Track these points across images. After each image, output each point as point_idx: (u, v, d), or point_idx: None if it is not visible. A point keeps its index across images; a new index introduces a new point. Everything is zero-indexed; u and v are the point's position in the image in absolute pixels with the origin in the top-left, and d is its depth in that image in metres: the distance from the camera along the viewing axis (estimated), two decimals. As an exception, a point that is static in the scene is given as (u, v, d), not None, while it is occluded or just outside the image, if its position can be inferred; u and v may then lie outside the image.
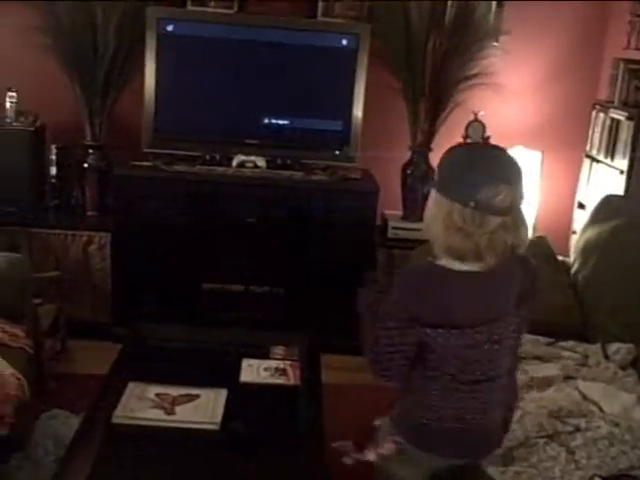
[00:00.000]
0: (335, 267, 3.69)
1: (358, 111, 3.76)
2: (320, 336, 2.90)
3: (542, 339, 2.78)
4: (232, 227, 3.66)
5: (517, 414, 2.23)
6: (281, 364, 2.56)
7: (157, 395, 2.29)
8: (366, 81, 3.73)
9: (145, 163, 3.69)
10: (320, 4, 3.89)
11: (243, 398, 2.32)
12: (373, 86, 3.75)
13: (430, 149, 3.91)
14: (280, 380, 2.46)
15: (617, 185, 3.59)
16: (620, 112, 3.61)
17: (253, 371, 2.50)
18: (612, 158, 3.65)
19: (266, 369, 2.51)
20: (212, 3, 3.89)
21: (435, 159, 3.91)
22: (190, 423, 2.16)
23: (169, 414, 2.20)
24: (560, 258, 3.33)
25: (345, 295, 3.68)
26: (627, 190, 3.52)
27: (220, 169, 3.70)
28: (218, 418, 2.18)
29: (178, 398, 2.28)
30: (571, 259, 3.34)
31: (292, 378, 2.48)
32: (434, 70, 3.77)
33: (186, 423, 2.16)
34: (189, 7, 3.86)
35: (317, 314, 3.66)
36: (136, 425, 2.16)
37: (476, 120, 3.94)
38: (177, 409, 2.23)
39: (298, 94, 3.78)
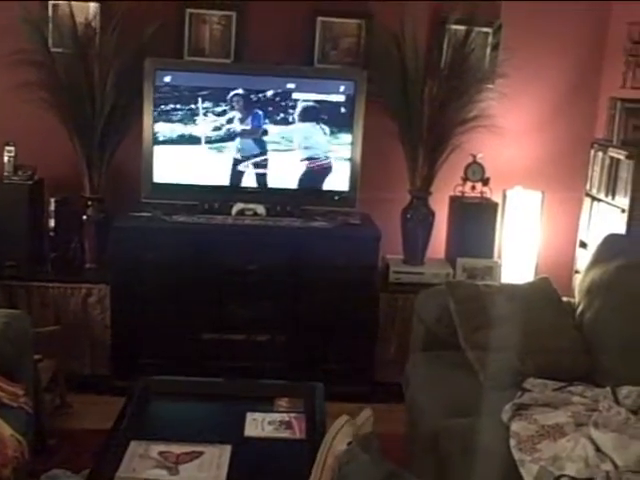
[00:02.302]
0: (337, 313, 3.67)
1: (357, 156, 3.76)
2: (324, 383, 2.85)
3: (550, 383, 2.72)
4: (232, 275, 3.63)
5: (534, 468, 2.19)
6: (286, 417, 2.51)
7: (160, 453, 2.24)
8: (364, 126, 3.73)
9: (144, 214, 3.67)
10: (316, 51, 3.92)
11: (248, 454, 2.27)
12: (371, 131, 3.76)
13: (429, 193, 3.90)
14: (285, 434, 2.41)
15: (618, 224, 3.57)
16: (619, 151, 3.61)
17: (257, 425, 2.45)
18: (613, 197, 3.64)
19: (270, 422, 2.47)
20: (208, 52, 3.92)
21: (435, 202, 3.92)
22: (194, 483, 2.11)
23: (173, 474, 2.14)
24: (564, 299, 3.29)
25: (347, 341, 3.70)
26: (629, 229, 3.50)
27: (220, 217, 3.70)
28: (223, 477, 2.13)
29: (182, 456, 2.23)
30: (576, 300, 3.30)
31: (297, 431, 2.43)
32: (431, 114, 3.78)
33: (190, 483, 2.11)
34: (186, 58, 3.89)
35: (320, 361, 3.62)
36: (139, 486, 2.11)
37: (475, 162, 3.94)
38: (181, 468, 2.17)
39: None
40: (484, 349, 2.88)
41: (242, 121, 3.75)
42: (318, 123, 3.77)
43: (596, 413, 2.47)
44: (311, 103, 3.75)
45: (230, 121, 3.75)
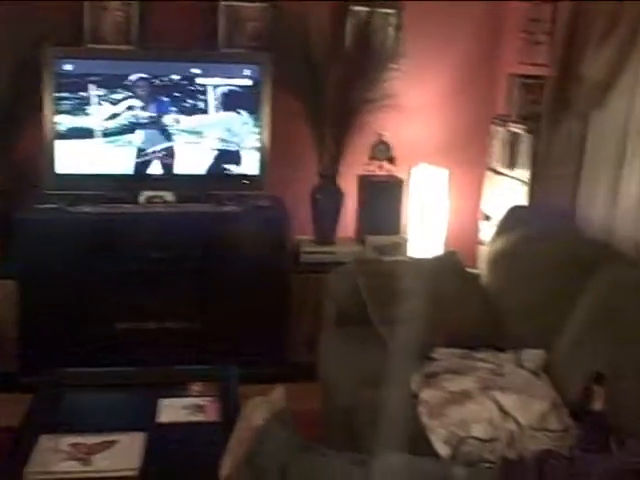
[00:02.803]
0: (249, 296, 3.68)
1: (265, 139, 3.77)
2: (239, 367, 2.86)
3: (457, 351, 2.81)
4: (143, 264, 3.59)
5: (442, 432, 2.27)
6: (199, 401, 2.52)
7: (71, 446, 2.21)
8: (271, 109, 3.74)
9: (48, 206, 3.59)
10: (220, 36, 3.89)
11: (162, 440, 2.27)
12: (279, 113, 3.77)
13: (338, 172, 3.94)
14: (199, 418, 2.41)
15: (520, 196, 3.69)
16: (518, 125, 3.72)
17: (171, 411, 2.44)
18: (514, 170, 3.76)
19: (184, 407, 2.47)
20: (110, 40, 3.84)
21: (343, 182, 3.97)
22: (108, 472, 2.10)
23: (85, 465, 2.12)
24: (471, 270, 3.39)
25: (260, 323, 3.72)
26: (530, 200, 3.62)
27: (127, 206, 3.65)
28: (136, 464, 2.13)
29: (94, 447, 2.21)
30: (481, 270, 3.40)
31: (211, 414, 2.43)
32: (337, 95, 3.81)
33: (103, 472, 2.10)
34: (87, 45, 3.80)
35: (234, 345, 3.62)
36: (50, 480, 2.08)
37: (381, 141, 4.00)
38: (93, 458, 2.16)
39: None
40: (394, 323, 2.95)
41: (146, 108, 3.70)
42: (224, 108, 3.75)
43: (500, 377, 2.57)
44: (217, 88, 3.73)
45: (134, 108, 3.68)
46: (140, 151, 3.72)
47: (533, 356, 2.66)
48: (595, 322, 2.54)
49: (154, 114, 3.70)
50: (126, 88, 3.66)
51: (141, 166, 3.74)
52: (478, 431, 2.23)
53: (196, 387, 2.61)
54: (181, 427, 2.37)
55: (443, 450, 2.20)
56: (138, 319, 3.65)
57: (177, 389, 2.58)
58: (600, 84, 3.14)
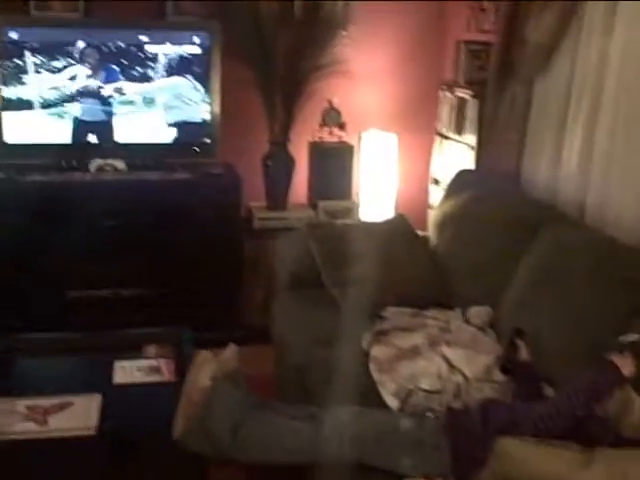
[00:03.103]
0: (203, 263, 3.72)
1: (215, 107, 3.78)
2: (193, 332, 2.90)
3: (406, 310, 2.89)
4: (95, 232, 3.57)
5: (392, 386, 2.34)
6: (154, 362, 2.55)
7: (27, 408, 2.23)
8: (222, 76, 3.75)
9: (-2, 175, 3.57)
10: (169, 4, 3.87)
11: (118, 400, 2.30)
12: (229, 81, 3.78)
13: (289, 139, 3.98)
14: (154, 378, 2.45)
15: (468, 160, 3.77)
16: (465, 91, 3.79)
17: (126, 372, 2.48)
18: (461, 134, 3.84)
19: (139, 369, 2.50)
20: (57, 7, 3.79)
21: (294, 149, 4.01)
22: (65, 431, 2.13)
23: (42, 425, 2.15)
24: (420, 233, 3.47)
25: (214, 289, 3.75)
26: (477, 164, 3.70)
27: (78, 175, 3.63)
28: (93, 423, 2.16)
29: (50, 408, 2.23)
30: (430, 233, 3.48)
31: (166, 375, 2.47)
32: (287, 62, 3.83)
33: (60, 432, 2.13)
34: (33, 13, 3.74)
35: (188, 311, 3.65)
36: (7, 441, 2.10)
37: (331, 107, 4.04)
38: (50, 419, 2.18)
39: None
40: (345, 284, 3.02)
41: (94, 76, 3.67)
42: (174, 75, 3.75)
43: (448, 333, 2.66)
44: (165, 55, 3.72)
45: (82, 76, 3.66)
46: (87, 120, 3.70)
47: (479, 312, 2.76)
48: (537, 281, 2.63)
49: (102, 82, 3.68)
50: (73, 55, 3.62)
51: (90, 135, 3.72)
52: (426, 384, 2.31)
53: (151, 349, 2.64)
54: (136, 388, 2.40)
55: (392, 402, 2.28)
56: (90, 287, 3.66)
57: (132, 352, 2.60)
58: (543, 48, 3.22)
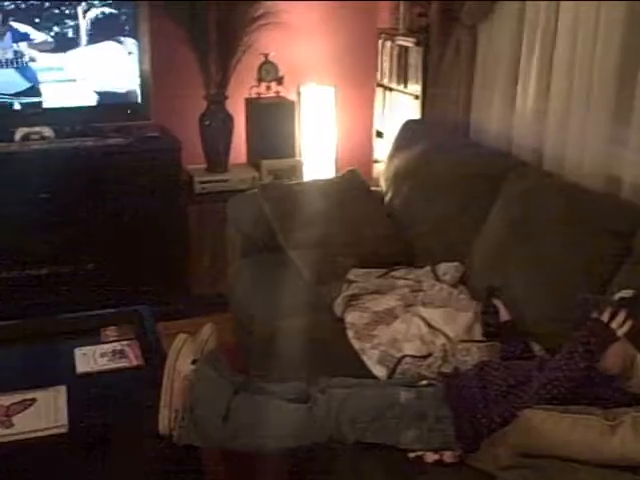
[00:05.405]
0: (144, 232, 3.53)
1: (146, 65, 3.55)
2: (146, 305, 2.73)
3: (373, 271, 2.79)
4: (26, 206, 3.33)
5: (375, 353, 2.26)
6: (117, 346, 2.37)
7: (-13, 409, 2.04)
8: (151, 33, 3.51)
9: None
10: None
11: (85, 391, 2.13)
12: (159, 38, 3.56)
13: (225, 97, 3.78)
14: (121, 364, 2.27)
15: (413, 110, 3.68)
16: (407, 39, 3.67)
17: (89, 360, 2.29)
18: (405, 85, 3.73)
19: (103, 354, 2.31)
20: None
21: (232, 106, 3.82)
22: (34, 432, 1.95)
23: (7, 427, 1.96)
24: (372, 189, 3.37)
25: (159, 259, 3.57)
26: (423, 114, 3.61)
27: (2, 145, 3.35)
28: (63, 419, 1.99)
29: (13, 407, 2.03)
30: (383, 188, 3.39)
31: (133, 359, 2.31)
32: (219, 15, 3.62)
33: (29, 433, 1.94)
34: None
35: (133, 285, 3.47)
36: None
37: (268, 61, 3.86)
38: (15, 419, 1.99)
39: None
40: (305, 247, 2.90)
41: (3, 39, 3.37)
42: (99, 34, 3.48)
43: (421, 293, 2.59)
44: (87, 12, 3.44)
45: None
46: (9, 83, 3.41)
47: (449, 269, 2.69)
48: (508, 234, 2.58)
49: (12, 44, 3.37)
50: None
51: (14, 100, 3.43)
52: (411, 349, 2.24)
53: (111, 332, 2.45)
54: (103, 376, 2.22)
55: (379, 371, 2.19)
56: (23, 266, 3.41)
57: (91, 336, 2.41)
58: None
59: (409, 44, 3.65)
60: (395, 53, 3.78)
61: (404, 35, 3.71)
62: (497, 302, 2.38)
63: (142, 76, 3.56)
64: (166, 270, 3.61)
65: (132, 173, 3.48)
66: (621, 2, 2.51)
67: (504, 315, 2.35)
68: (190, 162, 3.79)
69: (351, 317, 2.48)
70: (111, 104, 3.57)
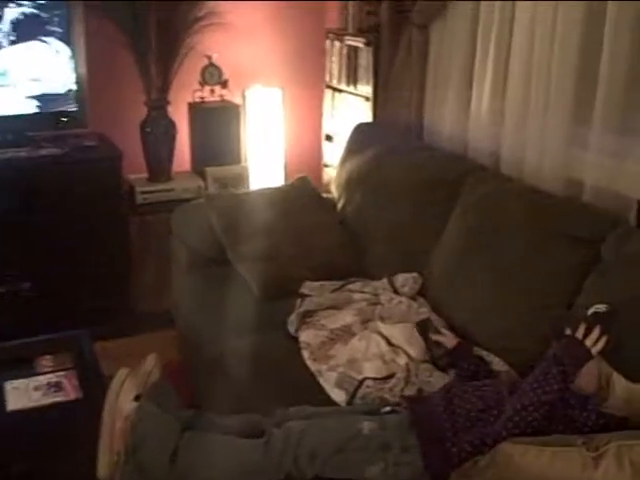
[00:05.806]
0: (83, 247, 3.32)
1: (82, 71, 3.34)
2: (81, 326, 2.54)
3: (327, 284, 2.65)
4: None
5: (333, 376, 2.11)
6: (53, 377, 2.18)
7: None
8: (86, 36, 3.31)
9: None
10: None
11: (16, 431, 1.94)
12: (96, 42, 3.36)
13: (167, 102, 3.59)
14: (57, 398, 2.09)
15: (363, 113, 3.54)
16: (356, 39, 3.53)
17: (21, 394, 2.10)
18: (355, 86, 3.59)
19: (37, 388, 2.13)
20: None
21: (174, 112, 3.63)
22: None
23: None
24: (323, 195, 3.23)
25: (100, 275, 3.36)
26: (374, 116, 3.48)
27: None
28: (-9, 465, 1.80)
29: None
30: (334, 195, 3.24)
31: (71, 392, 2.12)
32: (159, 16, 3.44)
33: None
34: None
35: (72, 304, 3.27)
36: None
37: (211, 64, 3.69)
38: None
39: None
40: (254, 260, 2.74)
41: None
42: (28, 37, 3.26)
43: (379, 306, 2.45)
44: (18, 16, 3.22)
45: None
46: None
47: (408, 280, 2.56)
48: (468, 242, 2.45)
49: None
50: None
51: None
52: (371, 369, 2.10)
53: (46, 362, 2.26)
54: (37, 412, 2.03)
55: (338, 396, 2.04)
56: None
57: (23, 367, 2.22)
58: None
59: (359, 44, 3.51)
60: (344, 53, 3.64)
61: (353, 35, 3.57)
62: (435, 336, 2.24)
63: (78, 81, 3.36)
64: (107, 286, 3.41)
65: (69, 185, 3.27)
66: (579, 2, 2.42)
67: (450, 340, 2.21)
68: (131, 171, 3.59)
69: (305, 336, 2.32)
70: (44, 112, 3.35)
